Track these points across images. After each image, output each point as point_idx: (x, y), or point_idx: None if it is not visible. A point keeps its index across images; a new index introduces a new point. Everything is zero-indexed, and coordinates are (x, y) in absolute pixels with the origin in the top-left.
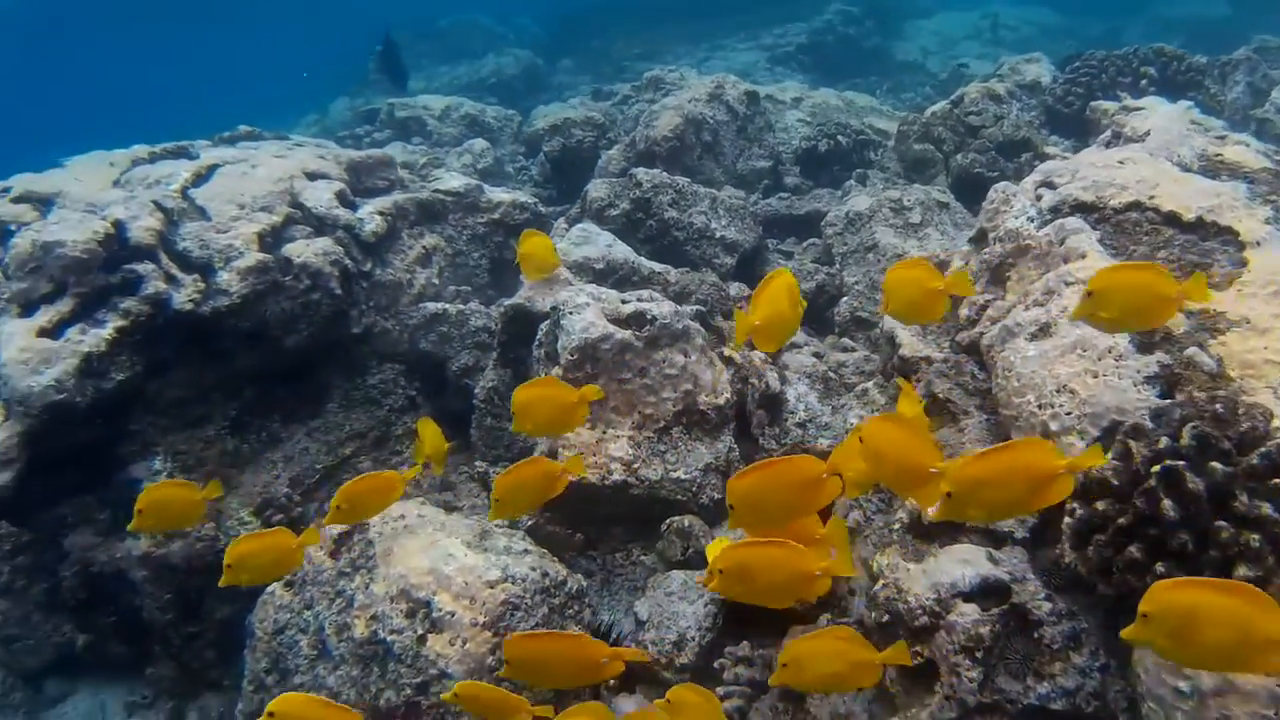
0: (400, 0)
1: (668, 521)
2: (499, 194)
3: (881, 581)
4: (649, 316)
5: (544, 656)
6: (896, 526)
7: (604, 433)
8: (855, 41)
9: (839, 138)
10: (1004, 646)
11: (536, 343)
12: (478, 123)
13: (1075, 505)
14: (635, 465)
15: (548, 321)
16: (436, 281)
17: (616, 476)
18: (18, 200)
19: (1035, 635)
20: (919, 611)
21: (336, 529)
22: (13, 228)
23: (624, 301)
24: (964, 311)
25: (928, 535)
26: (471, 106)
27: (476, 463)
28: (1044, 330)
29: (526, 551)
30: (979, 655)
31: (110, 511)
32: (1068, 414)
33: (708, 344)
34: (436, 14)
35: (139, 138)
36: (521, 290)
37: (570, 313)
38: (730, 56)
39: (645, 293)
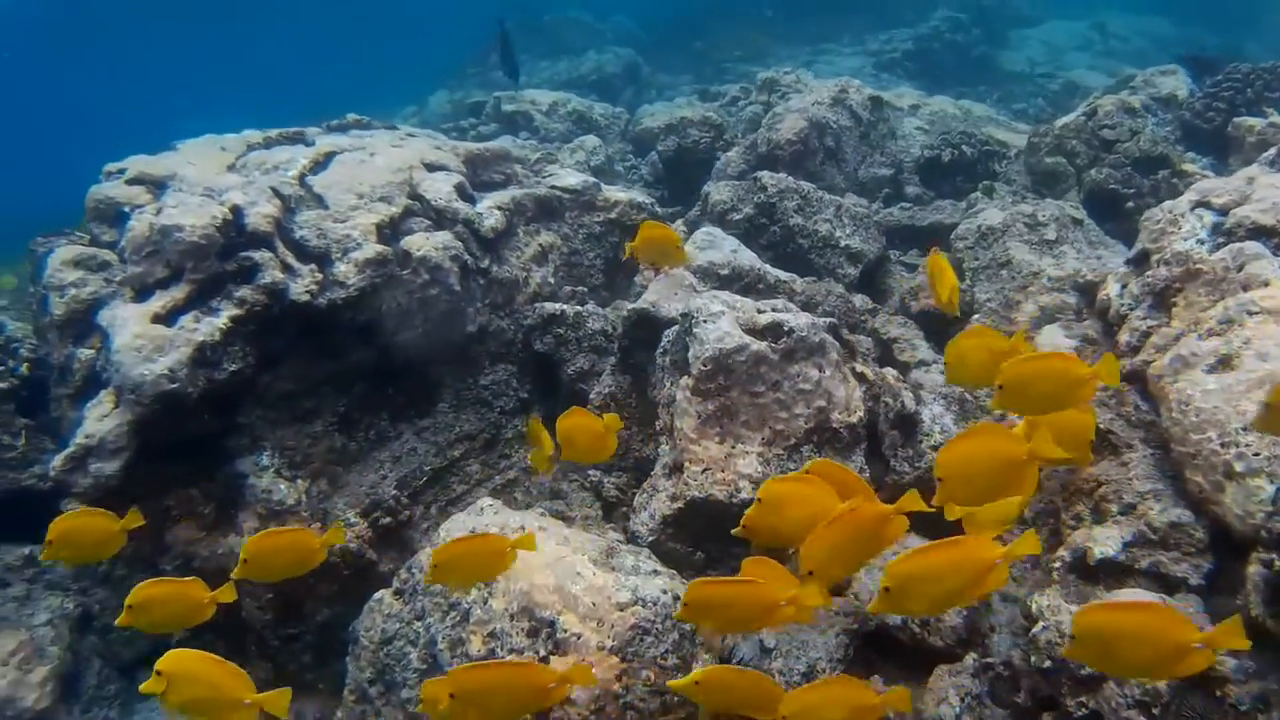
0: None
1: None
2: (616, 193)
3: (1041, 624)
4: (786, 328)
5: (492, 686)
6: (1057, 565)
7: (733, 448)
8: (963, 50)
9: (963, 148)
10: (1180, 703)
11: (661, 350)
12: (585, 119)
13: (1273, 556)
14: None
15: (675, 328)
16: (552, 281)
17: (745, 494)
18: (132, 182)
19: (1217, 694)
20: None
21: (453, 538)
22: (127, 209)
23: (759, 311)
24: (1123, 338)
25: (1092, 576)
26: (579, 103)
27: (590, 471)
28: (1225, 362)
29: (656, 572)
30: (1155, 711)
31: (215, 506)
32: (1256, 454)
33: (842, 358)
34: (539, 9)
35: (243, 125)
36: (646, 294)
37: (704, 321)
38: (835, 61)
39: (779, 302)
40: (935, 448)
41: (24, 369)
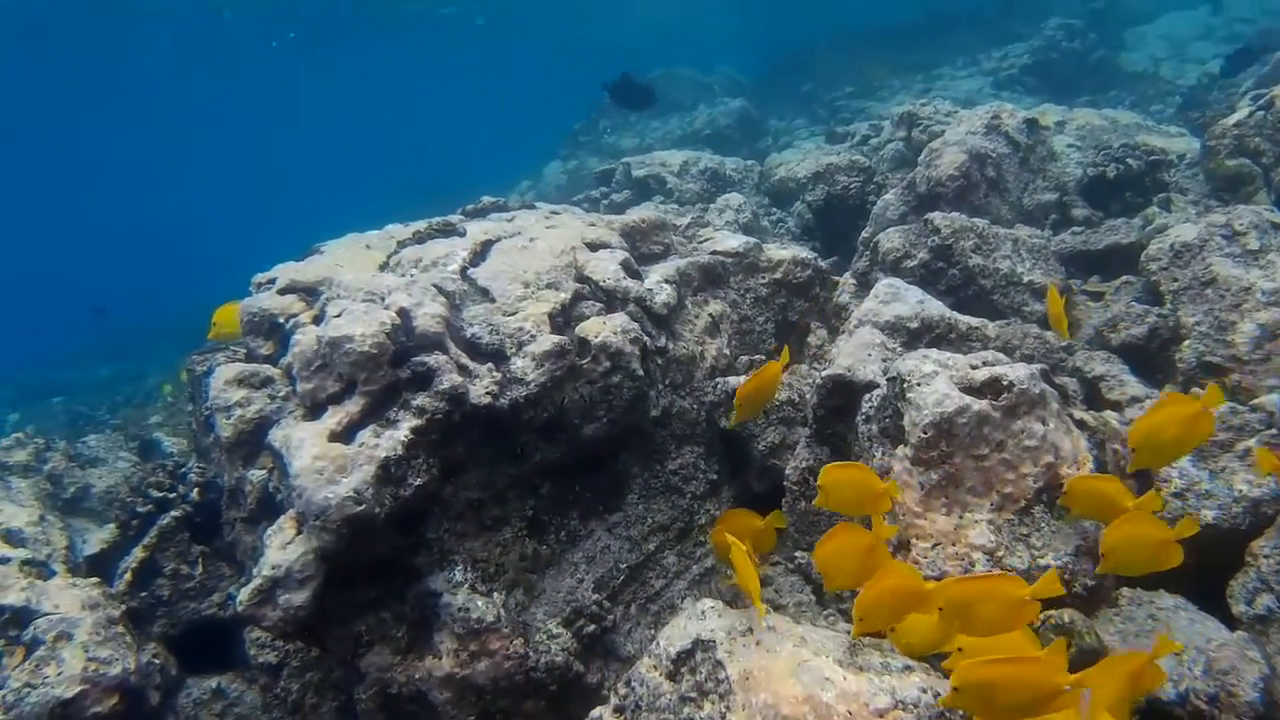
0: (602, 65)
1: (1044, 616)
2: (777, 251)
3: None
4: (1005, 382)
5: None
6: None
7: (961, 518)
8: (1080, 56)
9: (1128, 160)
10: None
11: (863, 416)
12: (718, 176)
13: None
14: (999, 553)
15: (877, 393)
16: (727, 352)
17: (980, 569)
18: (284, 292)
19: None
20: None
21: (675, 647)
22: (282, 320)
23: (973, 366)
24: None
25: None
26: (710, 159)
27: (797, 554)
28: None
29: (908, 668)
30: None
31: (408, 628)
32: None
33: (1061, 407)
34: (643, 69)
35: (371, 215)
36: (838, 359)
37: (918, 384)
38: (951, 85)
39: (989, 354)
40: (1177, 495)
41: (195, 494)
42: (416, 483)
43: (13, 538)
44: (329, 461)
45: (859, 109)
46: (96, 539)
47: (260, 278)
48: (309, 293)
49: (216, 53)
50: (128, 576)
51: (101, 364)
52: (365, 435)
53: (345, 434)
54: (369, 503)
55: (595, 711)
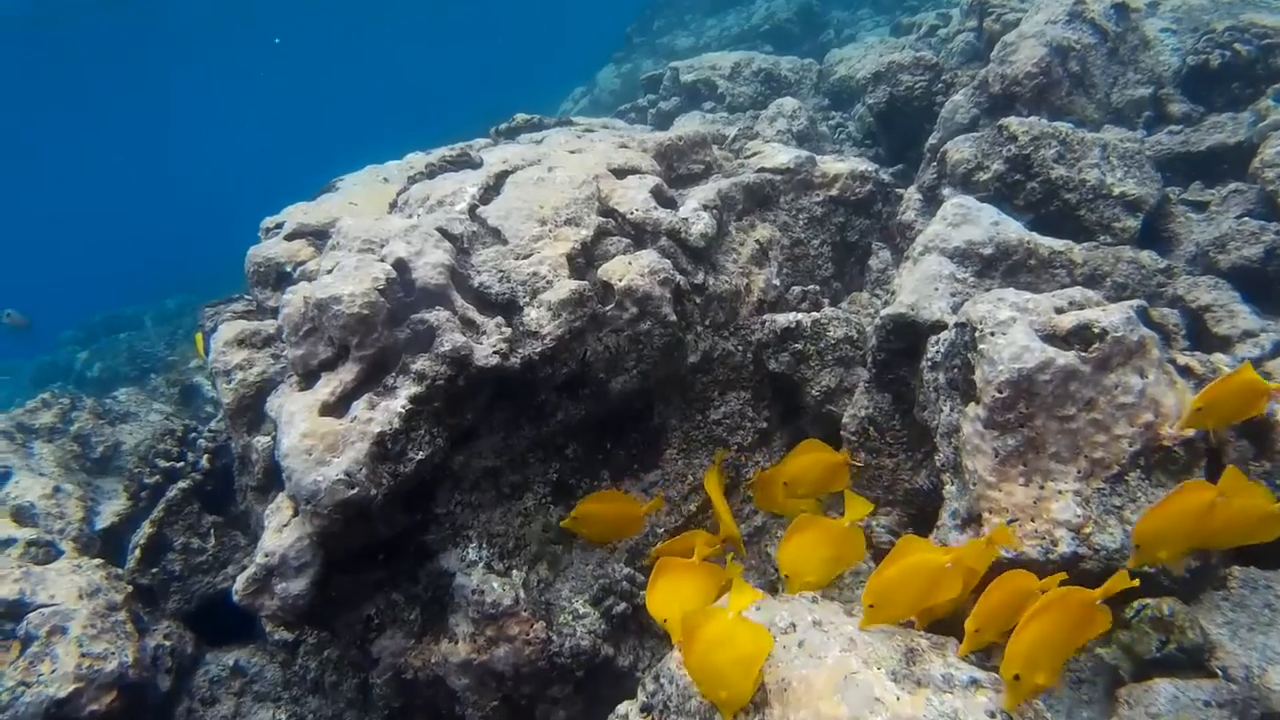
0: None
1: (1138, 604)
2: (833, 164)
3: None
4: (1097, 330)
5: None
6: None
7: (1042, 488)
8: None
9: (1236, 45)
10: None
11: (929, 363)
12: (773, 77)
13: None
14: (1087, 529)
15: (947, 338)
16: (777, 283)
17: (1065, 548)
18: (292, 237)
19: None
20: None
21: None
22: (288, 268)
23: (1058, 310)
24: None
25: None
26: (764, 60)
27: None
28: None
29: (975, 683)
30: None
31: (421, 610)
32: None
33: (1163, 354)
34: None
35: (414, 133)
36: (901, 295)
37: (992, 333)
38: None
39: (1077, 292)
40: None
41: (205, 461)
42: (418, 457)
43: (23, 515)
44: (318, 440)
45: None
46: (109, 511)
47: (268, 222)
48: (318, 236)
49: None
50: (137, 554)
51: (168, 296)
52: (359, 407)
53: (339, 405)
54: (363, 485)
55: (621, 708)
